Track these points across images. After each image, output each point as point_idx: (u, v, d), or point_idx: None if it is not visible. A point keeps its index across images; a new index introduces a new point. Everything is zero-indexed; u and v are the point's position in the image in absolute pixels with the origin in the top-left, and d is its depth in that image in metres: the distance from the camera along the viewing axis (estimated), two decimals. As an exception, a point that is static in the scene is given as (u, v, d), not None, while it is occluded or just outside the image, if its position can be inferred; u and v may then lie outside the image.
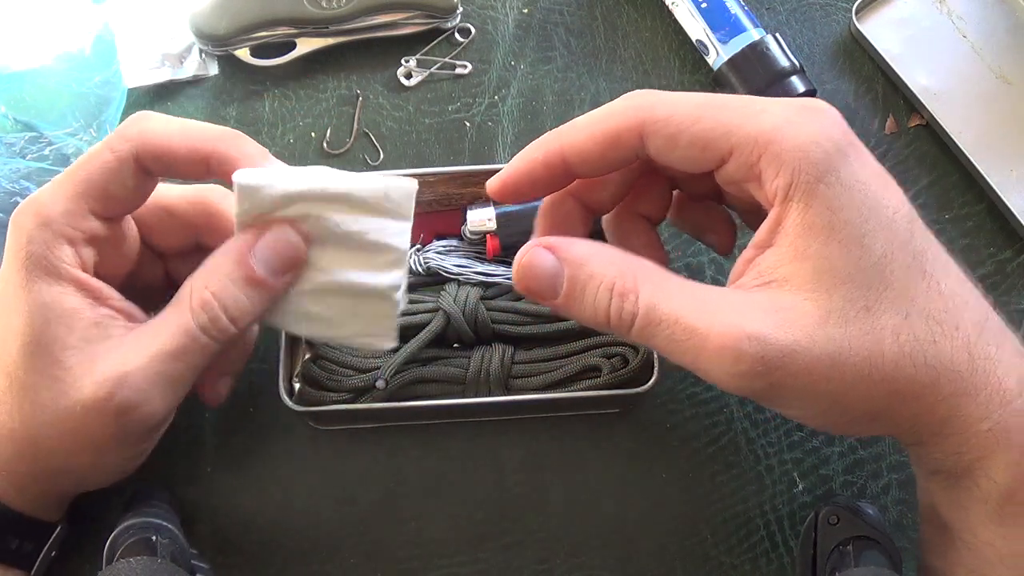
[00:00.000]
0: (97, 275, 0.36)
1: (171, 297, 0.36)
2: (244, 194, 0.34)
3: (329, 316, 0.36)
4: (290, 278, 0.35)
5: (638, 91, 0.33)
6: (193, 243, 0.40)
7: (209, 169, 0.35)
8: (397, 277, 0.35)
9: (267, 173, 0.34)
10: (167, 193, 0.38)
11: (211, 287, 0.34)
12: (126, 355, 0.34)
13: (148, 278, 0.40)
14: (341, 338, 0.37)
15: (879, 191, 0.31)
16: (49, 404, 0.34)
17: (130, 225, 0.38)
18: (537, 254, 0.32)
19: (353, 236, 0.34)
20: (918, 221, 0.32)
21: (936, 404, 0.30)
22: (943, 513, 0.34)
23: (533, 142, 0.34)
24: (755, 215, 0.34)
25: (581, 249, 0.32)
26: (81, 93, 0.51)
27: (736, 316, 0.30)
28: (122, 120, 0.50)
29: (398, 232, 0.35)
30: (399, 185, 0.34)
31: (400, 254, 0.35)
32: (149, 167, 0.35)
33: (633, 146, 0.32)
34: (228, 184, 0.35)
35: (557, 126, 0.34)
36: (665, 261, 0.36)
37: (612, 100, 0.47)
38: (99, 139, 0.49)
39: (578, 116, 0.34)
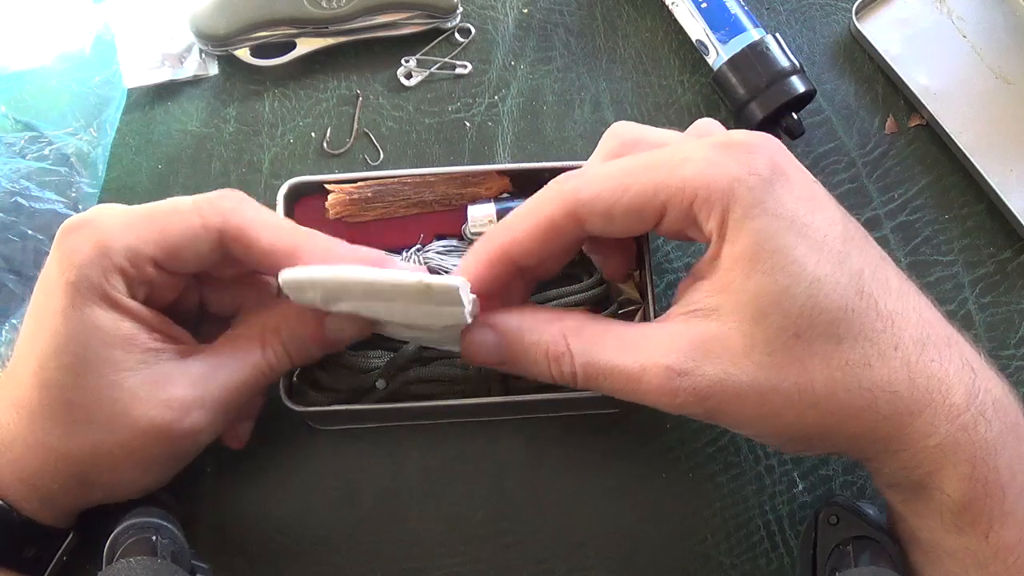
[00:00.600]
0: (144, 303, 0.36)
1: (202, 319, 0.39)
2: (291, 291, 0.35)
3: (414, 336, 0.39)
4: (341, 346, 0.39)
5: (562, 175, 0.34)
6: (230, 267, 0.39)
7: (273, 271, 0.36)
8: (460, 313, 0.34)
9: (312, 270, 0.35)
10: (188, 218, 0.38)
11: (283, 334, 0.37)
12: (196, 381, 0.35)
13: (184, 305, 0.40)
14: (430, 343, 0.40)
15: (808, 216, 0.31)
16: (106, 424, 0.34)
17: (182, 280, 0.38)
18: (476, 331, 0.35)
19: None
20: (856, 239, 0.32)
21: (876, 424, 0.31)
22: (907, 524, 0.35)
23: (473, 249, 0.36)
24: None
25: (513, 321, 0.35)
26: (81, 93, 0.51)
27: (663, 354, 0.31)
28: (122, 120, 0.51)
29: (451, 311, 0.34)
30: (441, 284, 0.33)
31: (459, 311, 0.34)
32: (230, 249, 0.36)
33: (573, 232, 0.34)
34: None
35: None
36: None
37: (612, 100, 0.48)
38: (99, 139, 0.49)
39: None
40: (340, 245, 0.37)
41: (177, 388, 0.35)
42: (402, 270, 0.37)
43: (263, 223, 0.36)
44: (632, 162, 0.33)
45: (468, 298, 0.34)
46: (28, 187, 0.47)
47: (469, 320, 0.35)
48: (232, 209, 0.35)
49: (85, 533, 0.41)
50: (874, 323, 0.31)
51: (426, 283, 0.33)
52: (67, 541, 0.39)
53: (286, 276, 0.34)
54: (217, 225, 0.35)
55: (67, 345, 0.33)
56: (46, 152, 0.48)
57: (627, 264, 0.41)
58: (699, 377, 0.31)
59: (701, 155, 0.32)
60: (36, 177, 0.47)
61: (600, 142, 0.37)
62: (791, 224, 0.31)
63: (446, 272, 0.44)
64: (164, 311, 0.37)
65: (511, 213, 0.35)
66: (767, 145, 0.32)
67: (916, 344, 0.31)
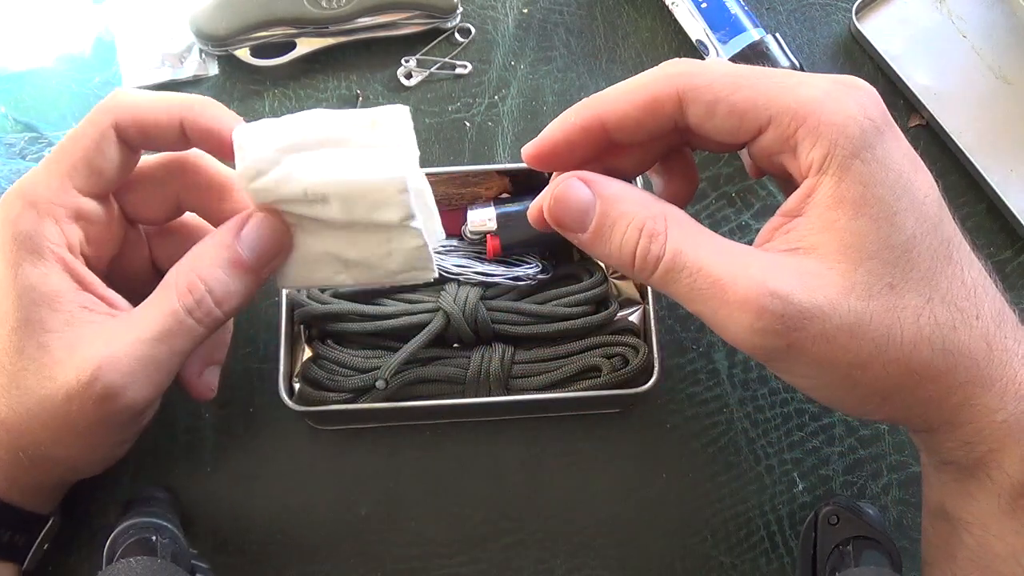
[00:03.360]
0: (84, 258, 0.35)
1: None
2: (243, 149, 0.34)
3: (366, 258, 0.36)
4: (276, 264, 0.35)
5: (677, 59, 0.33)
6: (175, 210, 0.39)
7: (184, 135, 0.35)
8: (405, 206, 0.34)
9: (260, 125, 0.34)
10: (142, 162, 0.38)
11: (197, 270, 0.34)
12: (110, 339, 0.33)
13: (134, 263, 0.39)
14: (384, 278, 0.37)
15: (911, 173, 0.31)
16: (34, 390, 0.33)
17: (113, 205, 0.38)
18: (572, 185, 0.32)
19: (356, 184, 0.33)
20: (946, 209, 0.32)
21: (951, 391, 0.30)
22: (951, 506, 0.34)
23: (570, 108, 0.33)
24: (788, 184, 0.34)
25: (616, 187, 0.32)
26: (81, 94, 0.51)
27: (761, 272, 0.30)
28: None
29: (393, 162, 0.34)
30: (387, 113, 0.34)
31: (398, 182, 0.33)
32: (129, 137, 0.35)
33: (671, 114, 0.32)
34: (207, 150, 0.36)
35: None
36: None
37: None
38: None
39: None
40: (219, 106, 0.36)
41: (91, 348, 0.33)
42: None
43: (149, 101, 0.35)
44: (750, 69, 0.32)
45: (417, 184, 0.34)
46: (28, 187, 0.47)
47: (417, 224, 0.34)
48: (117, 103, 0.35)
49: (77, 527, 0.41)
50: (959, 289, 0.31)
51: (372, 116, 0.33)
52: (47, 527, 0.39)
53: (240, 129, 0.34)
54: (108, 123, 0.34)
55: (9, 311, 0.33)
56: (46, 153, 0.48)
57: (691, 190, 0.38)
58: (792, 305, 0.29)
59: (820, 84, 0.31)
60: None
61: (647, 80, 0.34)
62: (898, 177, 0.30)
63: (446, 271, 0.44)
64: (117, 275, 0.37)
65: (610, 87, 0.33)
66: (878, 96, 0.32)
67: (993, 319, 0.31)
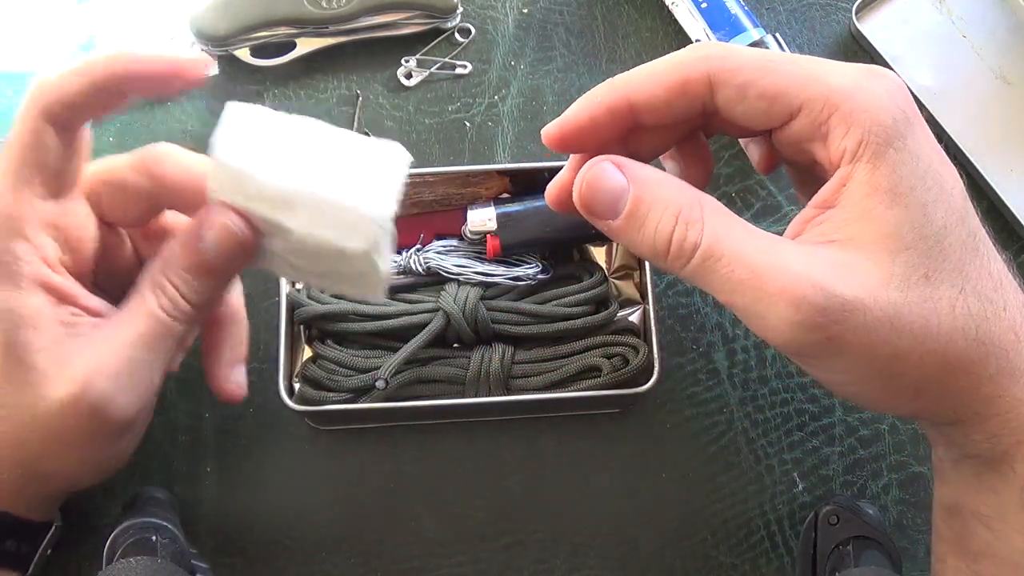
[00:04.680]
0: (65, 266, 0.35)
1: None
2: (229, 129, 0.32)
3: (317, 271, 0.35)
4: (241, 263, 0.35)
5: (706, 42, 0.33)
6: (151, 210, 0.38)
7: (122, 93, 0.34)
8: (375, 241, 0.33)
9: (256, 111, 0.33)
10: (109, 164, 0.37)
11: (166, 272, 0.34)
12: (95, 349, 0.33)
13: (120, 265, 0.39)
14: (333, 291, 0.37)
15: (939, 165, 0.31)
16: (26, 409, 0.33)
17: (83, 204, 0.37)
18: (605, 169, 0.31)
19: (335, 203, 0.32)
20: (969, 201, 0.32)
21: (982, 382, 0.30)
22: (969, 501, 0.34)
23: (593, 89, 0.32)
24: (808, 175, 0.34)
25: (649, 172, 0.31)
26: None
27: (800, 263, 0.29)
28: (122, 120, 0.50)
29: (383, 196, 0.33)
30: (388, 148, 0.33)
31: (382, 218, 0.32)
32: (62, 120, 0.33)
33: (700, 95, 0.32)
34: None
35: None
36: None
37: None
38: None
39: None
40: (137, 50, 0.34)
41: (78, 359, 0.33)
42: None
43: (67, 74, 0.33)
44: (779, 54, 0.32)
45: (393, 200, 0.32)
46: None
47: (378, 260, 0.33)
48: (37, 90, 0.33)
49: (77, 529, 0.41)
50: (987, 281, 0.30)
51: (373, 146, 0.32)
52: (50, 533, 0.39)
53: (233, 107, 0.33)
54: (37, 113, 0.33)
55: None
56: None
57: (708, 174, 0.37)
58: (833, 296, 0.28)
59: (850, 73, 0.31)
60: None
61: (673, 63, 0.33)
62: (928, 168, 0.30)
63: (446, 271, 0.44)
64: (105, 277, 0.37)
65: (637, 68, 0.32)
66: (905, 87, 0.32)
67: (1020, 310, 0.31)
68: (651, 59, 0.32)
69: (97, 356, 0.33)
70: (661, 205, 0.30)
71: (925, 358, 0.30)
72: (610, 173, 0.31)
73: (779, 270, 0.29)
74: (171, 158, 0.37)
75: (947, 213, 0.30)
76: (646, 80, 0.32)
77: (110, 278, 0.38)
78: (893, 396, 0.32)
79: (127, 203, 0.37)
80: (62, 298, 0.34)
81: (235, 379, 0.40)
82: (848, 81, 0.30)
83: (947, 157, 0.32)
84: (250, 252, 0.34)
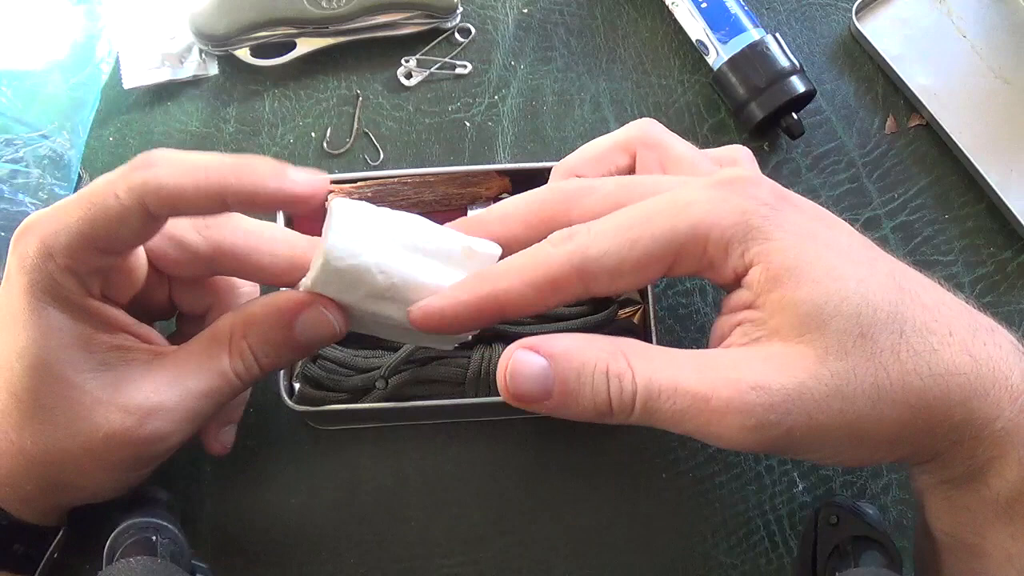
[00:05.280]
0: (104, 298, 0.35)
1: (176, 317, 0.38)
2: (329, 275, 0.33)
3: (401, 334, 0.37)
4: (323, 345, 0.37)
5: (564, 231, 0.32)
6: (204, 274, 0.38)
7: (226, 205, 0.33)
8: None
9: (361, 208, 0.33)
10: (181, 226, 0.37)
11: (250, 339, 0.35)
12: (159, 387, 0.34)
13: (153, 300, 0.39)
14: (409, 342, 0.40)
15: (825, 231, 0.31)
16: (66, 426, 0.34)
17: (139, 252, 0.37)
18: (521, 356, 0.30)
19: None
20: (872, 247, 0.32)
21: (950, 411, 0.30)
22: (947, 521, 0.34)
23: (461, 285, 0.33)
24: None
25: (564, 342, 0.31)
26: (56, 95, 0.50)
27: (734, 371, 0.29)
28: (95, 122, 0.50)
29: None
30: (483, 244, 0.34)
31: None
32: (157, 213, 0.33)
33: (574, 290, 0.32)
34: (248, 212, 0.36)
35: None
36: None
37: (612, 100, 0.48)
38: (73, 141, 0.49)
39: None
40: (260, 165, 0.34)
41: (138, 393, 0.34)
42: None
43: (182, 175, 0.32)
44: (635, 212, 0.32)
45: None
46: (1, 189, 0.47)
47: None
48: (144, 179, 0.32)
49: (80, 530, 0.41)
50: (923, 314, 0.30)
51: (469, 244, 0.33)
52: (57, 538, 0.39)
53: (340, 205, 0.32)
54: (134, 201, 0.32)
55: (28, 348, 0.33)
56: (21, 154, 0.48)
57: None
58: (776, 391, 0.29)
59: (705, 196, 0.31)
60: (9, 179, 0.47)
61: (623, 128, 0.37)
62: (814, 239, 0.30)
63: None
64: (135, 307, 0.37)
65: (509, 258, 0.33)
66: (760, 176, 0.32)
67: (967, 330, 0.31)
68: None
69: (158, 395, 0.34)
70: (588, 369, 0.30)
71: (885, 412, 0.30)
72: (526, 360, 0.31)
73: (718, 384, 0.29)
74: (230, 221, 0.37)
75: (856, 267, 0.30)
76: (514, 281, 0.32)
77: (138, 304, 0.38)
78: (871, 453, 0.32)
79: (185, 263, 0.37)
80: (112, 324, 0.35)
81: (223, 439, 0.41)
82: (707, 207, 0.31)
83: (829, 214, 0.32)
84: (338, 339, 0.36)
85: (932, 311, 0.31)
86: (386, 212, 0.33)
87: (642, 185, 0.34)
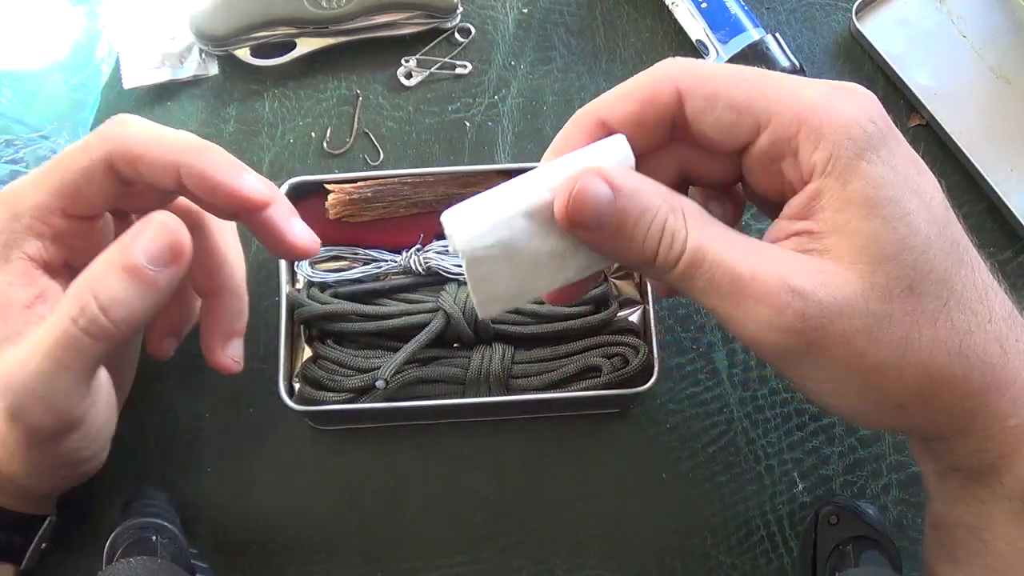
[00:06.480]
0: (70, 269, 0.34)
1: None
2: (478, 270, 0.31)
3: (555, 271, 0.33)
4: (175, 271, 0.32)
5: (673, 58, 0.32)
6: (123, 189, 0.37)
7: (179, 180, 0.33)
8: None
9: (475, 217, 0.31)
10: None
11: (88, 277, 0.32)
12: (17, 356, 0.32)
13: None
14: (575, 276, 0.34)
15: (916, 176, 0.31)
16: None
17: (107, 223, 0.36)
18: (591, 182, 0.30)
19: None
20: (951, 210, 0.31)
21: (965, 397, 0.30)
22: (958, 513, 0.34)
23: (572, 117, 0.33)
24: (775, 207, 0.33)
25: (634, 179, 0.31)
26: (56, 96, 0.50)
27: (781, 269, 0.29)
28: (96, 122, 0.50)
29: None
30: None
31: None
32: (122, 172, 0.33)
33: (670, 105, 0.31)
34: (196, 200, 0.35)
35: (557, 126, 0.33)
36: None
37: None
38: (72, 142, 0.49)
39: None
40: (220, 153, 0.34)
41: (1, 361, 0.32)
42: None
43: (148, 139, 0.33)
44: (748, 69, 0.31)
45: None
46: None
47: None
48: (115, 135, 0.33)
49: (76, 526, 0.41)
50: (972, 292, 0.30)
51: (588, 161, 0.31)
52: (43, 527, 0.39)
53: (448, 214, 0.31)
54: (102, 156, 0.33)
55: None
56: (21, 155, 0.48)
57: (738, 212, 0.37)
58: (813, 303, 0.28)
59: (820, 88, 0.31)
60: (9, 180, 0.47)
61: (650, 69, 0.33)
62: (905, 179, 0.30)
63: (446, 271, 0.44)
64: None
65: (606, 92, 0.33)
66: (877, 101, 0.31)
67: (1006, 321, 0.31)
68: (651, 59, 0.32)
69: (14, 364, 0.32)
70: (648, 216, 0.30)
71: (905, 371, 0.29)
72: (596, 187, 0.30)
73: (760, 275, 0.29)
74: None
75: (929, 224, 0.30)
76: (615, 99, 0.32)
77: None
78: (874, 408, 0.31)
79: (113, 195, 0.35)
80: (41, 297, 0.34)
81: (231, 353, 0.38)
82: (817, 95, 0.30)
83: (925, 167, 0.31)
84: (185, 259, 0.33)
85: (980, 291, 0.30)
86: (486, 196, 0.31)
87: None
